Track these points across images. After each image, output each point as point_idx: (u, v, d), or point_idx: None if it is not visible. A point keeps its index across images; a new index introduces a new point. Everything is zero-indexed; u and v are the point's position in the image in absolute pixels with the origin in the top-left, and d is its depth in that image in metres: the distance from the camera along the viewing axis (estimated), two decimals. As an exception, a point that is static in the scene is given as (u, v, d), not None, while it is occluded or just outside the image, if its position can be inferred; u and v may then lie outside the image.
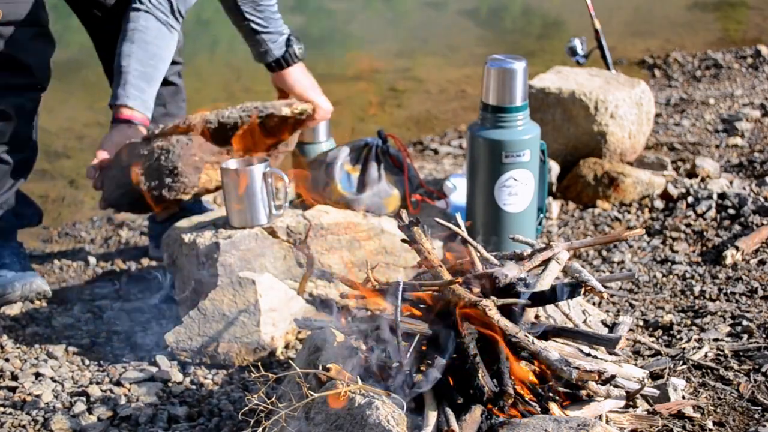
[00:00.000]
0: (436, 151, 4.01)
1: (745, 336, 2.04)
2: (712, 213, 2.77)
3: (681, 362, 1.91)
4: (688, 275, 2.42)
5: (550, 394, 1.57)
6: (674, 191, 2.92)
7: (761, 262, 2.44)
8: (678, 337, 2.07)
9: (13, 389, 2.00)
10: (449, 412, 1.46)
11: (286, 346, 2.16)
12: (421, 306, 1.67)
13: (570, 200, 3.01)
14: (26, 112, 2.38)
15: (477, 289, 1.66)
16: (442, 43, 6.25)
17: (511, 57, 2.35)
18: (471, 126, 2.40)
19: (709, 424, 1.69)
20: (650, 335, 2.11)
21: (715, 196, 2.83)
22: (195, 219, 2.41)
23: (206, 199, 3.11)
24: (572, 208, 2.98)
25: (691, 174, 3.11)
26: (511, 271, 1.69)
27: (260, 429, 1.46)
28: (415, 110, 4.74)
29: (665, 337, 2.09)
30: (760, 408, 1.74)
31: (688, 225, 2.73)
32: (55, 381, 2.04)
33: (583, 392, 1.59)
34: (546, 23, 7.16)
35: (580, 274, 1.77)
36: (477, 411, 1.46)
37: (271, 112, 2.25)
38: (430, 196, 2.49)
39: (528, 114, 2.37)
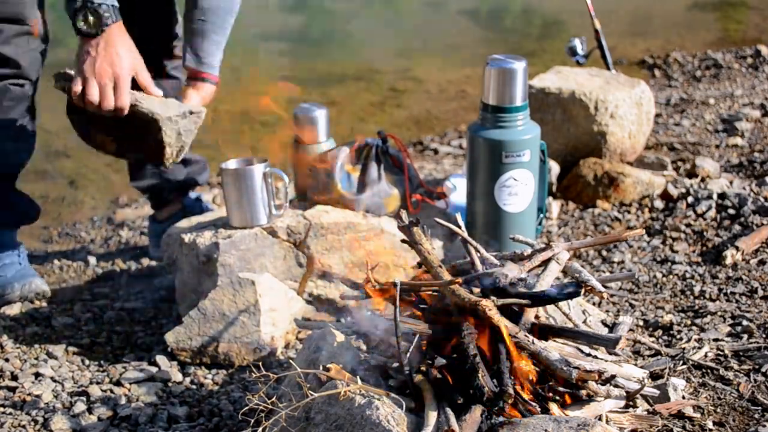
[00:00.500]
0: (436, 151, 4.01)
1: (745, 336, 2.04)
2: (712, 213, 2.77)
3: (681, 362, 1.91)
4: (688, 275, 2.42)
5: (550, 394, 1.57)
6: (674, 191, 2.92)
7: (761, 262, 2.44)
8: (678, 337, 2.07)
9: (13, 389, 2.00)
10: (449, 412, 1.46)
11: (286, 346, 2.16)
12: (422, 306, 1.67)
13: (570, 200, 3.01)
14: (11, 98, 2.37)
15: (477, 289, 1.66)
16: (442, 43, 6.25)
17: (511, 57, 2.35)
18: (471, 126, 2.40)
19: (709, 424, 1.69)
20: (650, 335, 2.11)
21: (715, 196, 2.84)
22: (195, 219, 2.41)
23: (206, 199, 3.11)
24: (572, 208, 2.98)
25: (691, 174, 3.11)
26: (511, 272, 1.69)
27: (260, 429, 1.46)
28: (415, 110, 4.74)
29: (665, 337, 2.09)
30: (760, 408, 1.74)
31: (688, 225, 2.73)
32: (55, 381, 2.04)
33: (583, 392, 1.59)
34: (546, 23, 7.16)
35: (580, 274, 1.78)
36: (477, 411, 1.46)
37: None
38: (430, 196, 2.49)
39: (528, 114, 2.37)
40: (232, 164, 2.27)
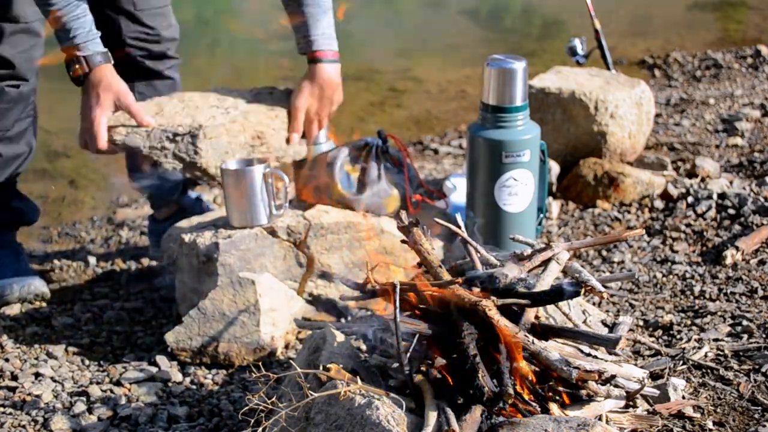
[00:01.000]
0: (436, 151, 4.01)
1: (745, 336, 2.04)
2: (712, 213, 2.77)
3: (681, 362, 1.91)
4: (688, 275, 2.42)
5: (550, 394, 1.57)
6: (674, 191, 2.92)
7: (761, 262, 2.44)
8: (678, 337, 2.07)
9: (13, 389, 2.00)
10: (449, 412, 1.46)
11: (286, 346, 2.16)
12: (421, 306, 1.67)
13: (570, 200, 3.01)
14: (8, 100, 2.37)
15: (477, 289, 1.66)
16: (442, 43, 6.25)
17: (511, 57, 2.35)
18: (471, 126, 2.40)
19: (709, 424, 1.69)
20: (650, 335, 2.11)
21: (715, 196, 2.83)
22: (195, 219, 2.41)
23: (206, 199, 3.11)
24: (572, 208, 2.98)
25: (691, 174, 3.11)
26: (511, 272, 1.69)
27: (260, 429, 1.46)
28: (415, 110, 4.74)
29: (665, 337, 2.09)
30: (760, 408, 1.74)
31: (688, 225, 2.73)
32: (55, 381, 2.04)
33: (583, 392, 1.58)
34: (546, 23, 7.16)
35: (580, 274, 1.77)
36: (477, 411, 1.46)
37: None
38: (430, 196, 2.49)
39: (528, 114, 2.37)
40: (232, 164, 2.27)
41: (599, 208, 2.93)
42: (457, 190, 2.65)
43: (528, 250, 1.87)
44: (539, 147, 2.39)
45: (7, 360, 2.14)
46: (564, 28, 6.45)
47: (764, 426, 1.67)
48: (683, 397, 1.76)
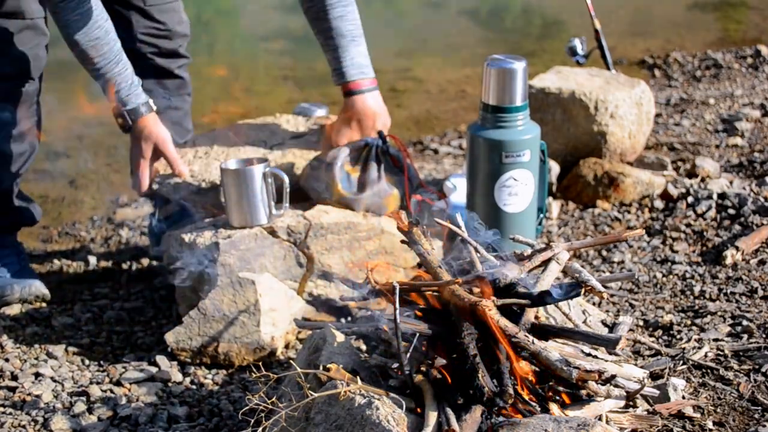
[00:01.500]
0: (436, 151, 4.01)
1: (745, 336, 2.04)
2: (712, 213, 2.77)
3: (681, 362, 1.91)
4: (688, 275, 2.42)
5: (550, 394, 1.57)
6: (674, 191, 2.92)
7: (761, 262, 2.44)
8: (678, 337, 2.07)
9: (13, 389, 2.00)
10: (449, 412, 1.46)
11: (286, 346, 2.16)
12: (422, 306, 1.67)
13: (570, 200, 3.01)
14: (12, 101, 2.38)
15: (477, 289, 1.66)
16: (442, 43, 6.25)
17: (511, 57, 2.35)
18: (471, 126, 2.40)
19: (709, 424, 1.69)
20: (650, 335, 2.11)
21: (715, 196, 2.83)
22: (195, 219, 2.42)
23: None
24: (572, 208, 2.98)
25: (691, 174, 3.11)
26: (511, 272, 1.69)
27: (260, 429, 1.46)
28: (415, 110, 4.74)
29: (665, 337, 2.09)
30: (760, 408, 1.74)
31: (688, 225, 2.73)
32: (55, 381, 2.04)
33: (583, 392, 1.58)
34: (546, 23, 7.16)
35: (580, 274, 1.77)
36: (477, 411, 1.46)
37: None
38: (430, 196, 2.49)
39: (528, 114, 2.37)
40: (232, 164, 2.27)
41: (599, 208, 2.93)
42: (457, 190, 2.65)
43: (528, 250, 1.87)
44: (539, 147, 2.39)
45: (7, 360, 2.14)
46: (564, 28, 6.45)
47: (764, 426, 1.67)
48: (683, 397, 1.76)
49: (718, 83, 4.74)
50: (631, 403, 1.66)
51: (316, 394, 1.46)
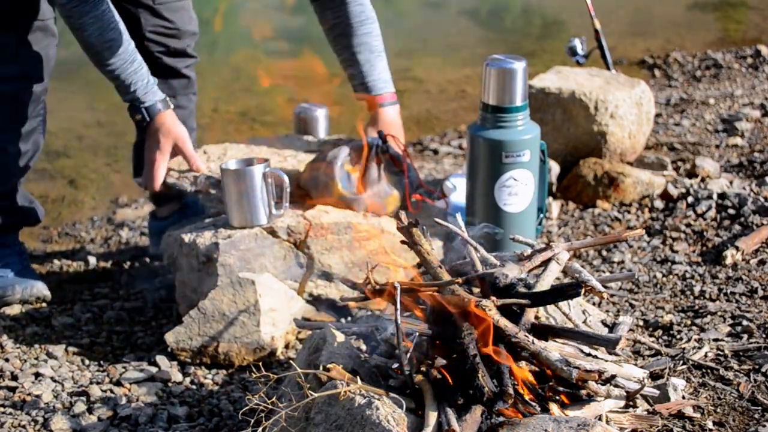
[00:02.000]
0: (436, 151, 4.01)
1: (745, 336, 2.04)
2: (712, 213, 2.77)
3: (681, 362, 1.91)
4: (688, 275, 2.42)
5: (550, 394, 1.57)
6: (674, 191, 2.92)
7: (761, 262, 2.44)
8: (678, 337, 2.07)
9: (13, 389, 2.00)
10: (449, 412, 1.46)
11: (286, 346, 2.16)
12: (421, 306, 1.67)
13: (570, 200, 3.01)
14: (20, 102, 2.38)
15: (477, 289, 1.66)
16: (442, 43, 6.24)
17: (511, 57, 2.35)
18: (471, 126, 2.40)
19: (709, 424, 1.69)
20: (650, 335, 2.11)
21: (715, 196, 2.83)
22: (195, 219, 2.42)
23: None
24: (572, 208, 2.98)
25: (691, 174, 3.11)
26: (511, 272, 1.69)
27: (260, 429, 1.46)
28: (415, 110, 4.74)
29: (665, 337, 2.09)
30: (760, 408, 1.74)
31: (688, 225, 2.73)
32: (55, 381, 2.04)
33: (583, 392, 1.58)
34: (546, 23, 7.16)
35: (580, 274, 1.78)
36: (477, 411, 1.46)
37: None
38: (430, 196, 2.49)
39: (528, 114, 2.37)
40: (232, 164, 2.27)
41: (599, 208, 2.93)
42: (457, 190, 2.65)
43: (528, 250, 1.87)
44: (539, 147, 2.39)
45: (7, 360, 2.14)
46: (564, 28, 6.45)
47: (764, 426, 1.67)
48: (683, 397, 1.76)
49: (718, 83, 4.74)
50: (631, 403, 1.66)
51: (316, 394, 1.46)
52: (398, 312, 1.52)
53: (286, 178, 2.24)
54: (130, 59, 2.24)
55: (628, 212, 2.89)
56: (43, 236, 3.31)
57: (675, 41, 5.77)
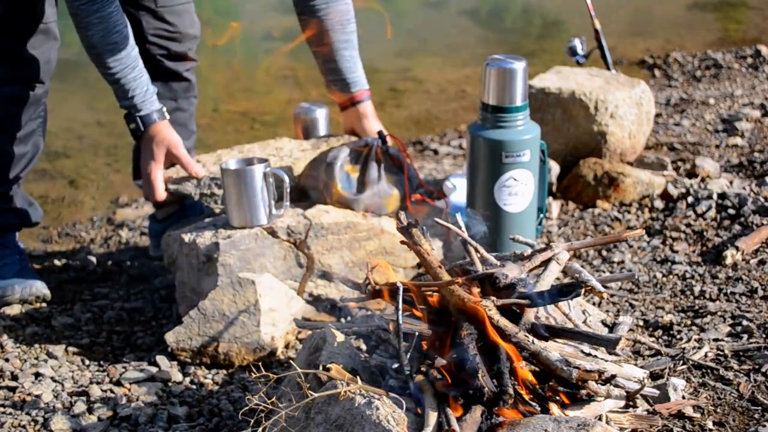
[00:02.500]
0: (436, 151, 4.01)
1: (745, 336, 2.04)
2: (712, 213, 2.77)
3: (681, 362, 1.91)
4: (688, 275, 2.42)
5: (550, 394, 1.57)
6: (674, 191, 2.92)
7: (761, 262, 2.44)
8: (678, 337, 2.07)
9: (13, 389, 2.00)
10: (449, 412, 1.46)
11: (286, 346, 2.16)
12: (421, 306, 1.67)
13: (570, 200, 3.01)
14: (20, 104, 2.38)
15: (477, 290, 1.66)
16: (442, 43, 6.25)
17: (511, 57, 2.35)
18: (471, 126, 2.40)
19: (709, 424, 1.69)
20: (650, 335, 2.11)
21: (715, 196, 2.83)
22: (195, 219, 2.42)
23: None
24: (572, 208, 2.98)
25: (691, 174, 3.11)
26: (511, 272, 1.69)
27: (260, 429, 1.46)
28: (415, 110, 4.74)
29: (665, 337, 2.09)
30: (760, 408, 1.74)
31: (688, 225, 2.73)
32: (55, 381, 2.04)
33: (583, 392, 1.58)
34: (546, 23, 7.16)
35: (580, 274, 1.77)
36: (477, 411, 1.46)
37: None
38: (430, 196, 2.49)
39: (528, 114, 2.37)
40: (232, 164, 2.27)
41: (599, 208, 2.93)
42: (457, 190, 2.65)
43: (528, 250, 1.87)
44: (539, 147, 2.39)
45: (7, 360, 2.14)
46: (564, 28, 6.46)
47: (764, 426, 1.67)
48: (683, 397, 1.76)
49: (718, 83, 4.74)
50: (631, 403, 1.66)
51: (316, 394, 1.46)
52: (399, 312, 1.52)
53: (286, 178, 2.24)
54: (131, 65, 2.24)
55: (628, 212, 2.89)
56: (43, 236, 3.31)
57: (675, 41, 5.77)
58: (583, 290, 1.67)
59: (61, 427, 1.83)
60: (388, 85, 5.10)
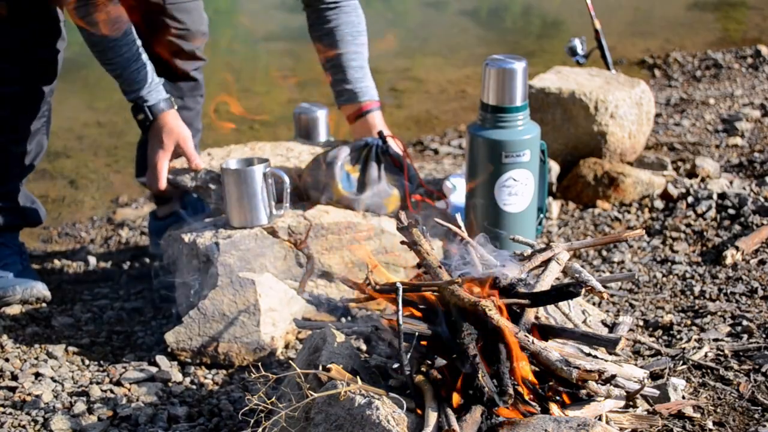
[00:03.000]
0: (436, 151, 4.01)
1: (745, 336, 2.04)
2: (712, 213, 2.77)
3: (681, 362, 1.91)
4: (688, 275, 2.42)
5: (550, 394, 1.57)
6: (674, 191, 2.92)
7: (761, 262, 2.44)
8: (678, 337, 2.07)
9: (13, 389, 2.00)
10: (449, 412, 1.46)
11: (286, 346, 2.16)
12: (421, 306, 1.67)
13: (570, 200, 3.01)
14: (26, 102, 2.38)
15: (477, 289, 1.66)
16: (442, 43, 6.25)
17: (511, 57, 2.35)
18: (471, 126, 2.40)
19: (709, 424, 1.69)
20: (650, 335, 2.11)
21: (715, 196, 2.83)
22: (195, 219, 2.41)
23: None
24: (572, 208, 2.98)
25: (691, 174, 3.11)
26: (511, 272, 1.69)
27: (260, 429, 1.47)
28: (415, 110, 4.74)
29: (665, 337, 2.09)
30: (760, 408, 1.74)
31: (688, 225, 2.73)
32: (55, 381, 2.04)
33: (583, 392, 1.59)
34: (546, 23, 7.16)
35: (580, 274, 1.77)
36: (477, 411, 1.46)
37: None
38: (430, 196, 2.49)
39: (528, 114, 2.37)
40: (232, 164, 2.27)
41: (599, 208, 2.93)
42: (457, 190, 2.65)
43: (528, 250, 1.87)
44: (539, 147, 2.39)
45: (7, 360, 2.14)
46: (564, 28, 6.46)
47: (764, 426, 1.67)
48: (683, 397, 1.76)
49: (718, 83, 4.74)
50: (631, 403, 1.66)
51: (316, 395, 1.46)
52: (399, 312, 1.52)
53: (286, 178, 2.24)
54: (134, 57, 2.25)
55: (628, 212, 2.89)
56: (43, 236, 3.31)
57: (675, 41, 5.77)
58: (583, 290, 1.67)
59: (61, 427, 1.83)
60: (388, 85, 5.10)
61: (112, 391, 1.99)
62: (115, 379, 2.05)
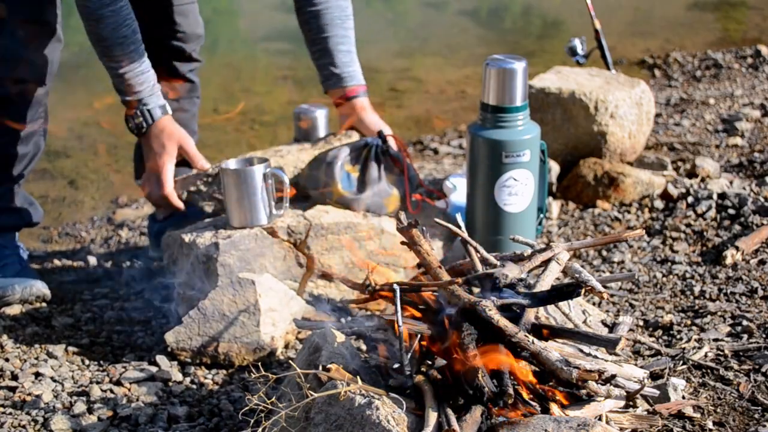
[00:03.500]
0: (436, 151, 4.01)
1: (745, 336, 2.04)
2: (712, 213, 2.77)
3: (681, 362, 1.91)
4: (688, 275, 2.42)
5: (550, 394, 1.57)
6: (674, 191, 2.92)
7: (761, 262, 2.44)
8: (678, 337, 2.07)
9: (13, 389, 1.99)
10: (449, 412, 1.46)
11: (286, 346, 2.16)
12: (421, 307, 1.67)
13: (570, 200, 3.01)
14: (22, 104, 2.38)
15: (477, 289, 1.66)
16: (442, 43, 6.25)
17: (511, 57, 2.35)
18: (471, 126, 2.40)
19: (709, 424, 1.69)
20: (650, 335, 2.11)
21: (715, 196, 2.83)
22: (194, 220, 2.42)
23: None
24: (572, 208, 2.98)
25: (691, 174, 3.11)
26: (511, 272, 1.69)
27: (260, 429, 1.47)
28: (415, 110, 4.74)
29: (665, 337, 2.09)
30: (760, 408, 1.74)
31: (688, 225, 2.73)
32: (55, 381, 2.04)
33: (583, 392, 1.59)
34: (546, 23, 7.17)
35: (580, 274, 1.77)
36: (477, 411, 1.46)
37: None
38: (430, 196, 2.49)
39: (528, 114, 2.37)
40: (232, 164, 2.27)
41: (599, 208, 2.93)
42: (457, 190, 2.65)
43: (528, 251, 1.87)
44: (539, 147, 2.39)
45: (7, 360, 2.14)
46: (564, 28, 6.46)
47: (764, 426, 1.67)
48: (683, 397, 1.76)
49: (718, 83, 4.74)
50: (631, 403, 1.66)
51: (316, 395, 1.46)
52: (399, 313, 1.52)
53: (286, 178, 2.24)
54: (139, 59, 2.24)
55: (628, 212, 2.89)
56: (43, 236, 3.31)
57: (675, 41, 5.78)
58: (583, 290, 1.67)
59: (61, 427, 1.83)
60: (388, 85, 5.11)
61: (112, 391, 1.98)
62: (115, 378, 2.05)
